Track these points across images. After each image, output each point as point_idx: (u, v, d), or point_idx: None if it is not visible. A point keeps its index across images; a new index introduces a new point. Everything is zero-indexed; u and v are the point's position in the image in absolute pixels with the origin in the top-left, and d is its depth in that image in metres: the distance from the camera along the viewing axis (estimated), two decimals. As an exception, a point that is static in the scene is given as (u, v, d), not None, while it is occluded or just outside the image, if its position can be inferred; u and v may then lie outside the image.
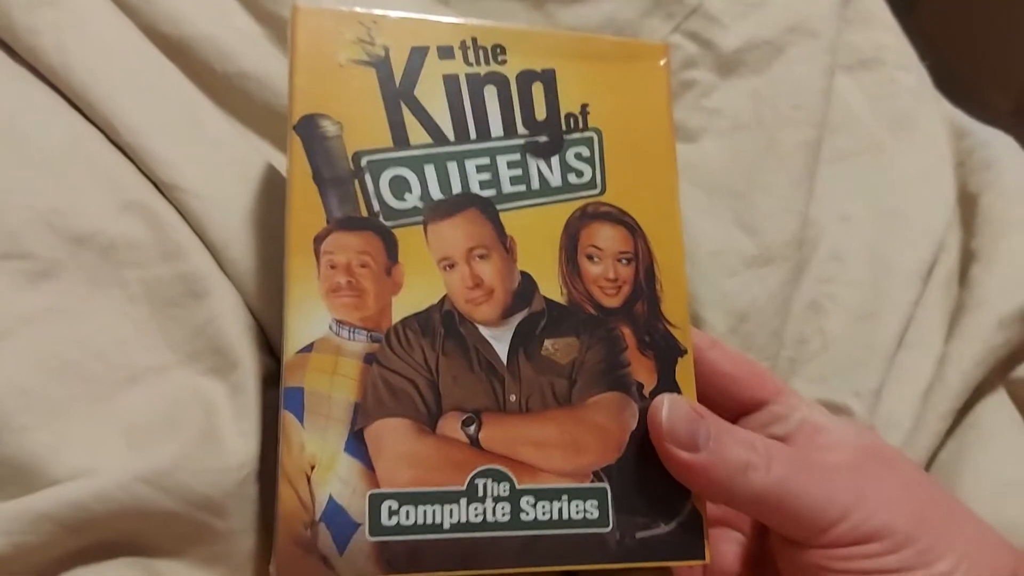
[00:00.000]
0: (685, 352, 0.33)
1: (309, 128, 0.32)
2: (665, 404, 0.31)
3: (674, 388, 0.33)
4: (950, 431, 0.44)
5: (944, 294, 0.46)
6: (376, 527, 0.29)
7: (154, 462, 0.29)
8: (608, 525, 0.31)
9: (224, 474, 0.30)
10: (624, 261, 0.34)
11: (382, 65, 0.33)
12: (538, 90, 0.35)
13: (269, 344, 0.34)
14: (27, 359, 0.30)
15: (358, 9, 0.33)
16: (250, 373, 0.32)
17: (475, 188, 0.33)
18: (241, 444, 0.31)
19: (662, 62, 0.36)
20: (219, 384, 0.32)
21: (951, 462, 0.43)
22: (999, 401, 0.45)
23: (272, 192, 0.36)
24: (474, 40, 0.34)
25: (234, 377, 0.32)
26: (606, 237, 0.34)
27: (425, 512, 0.29)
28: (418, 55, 0.33)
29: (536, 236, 0.33)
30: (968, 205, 0.48)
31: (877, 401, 0.43)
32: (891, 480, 0.32)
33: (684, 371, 0.33)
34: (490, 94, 0.34)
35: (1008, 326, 0.43)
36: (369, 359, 0.30)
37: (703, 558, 0.31)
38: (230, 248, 0.34)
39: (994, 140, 0.50)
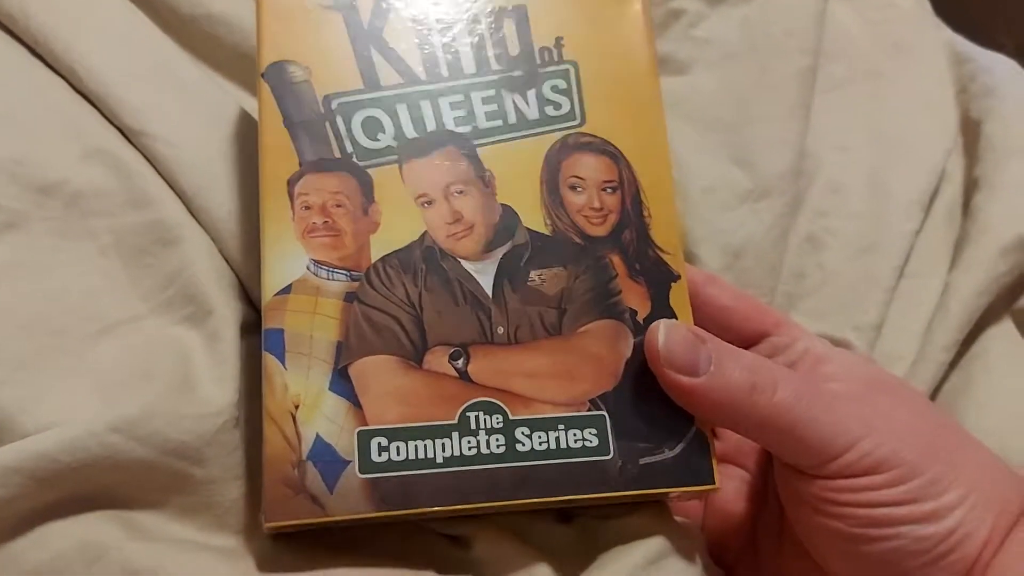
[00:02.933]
0: (679, 278, 0.32)
1: (277, 74, 0.31)
2: (661, 329, 0.30)
3: (669, 314, 0.32)
4: (954, 362, 0.42)
5: (947, 224, 0.45)
6: (366, 464, 0.28)
7: (125, 411, 0.28)
8: (609, 453, 0.30)
9: (200, 421, 0.29)
10: (609, 190, 0.33)
11: (349, 9, 0.33)
12: (510, 26, 0.34)
13: (247, 292, 0.33)
14: None
15: (322, -45, 0.33)
16: (226, 320, 0.31)
17: (450, 125, 0.32)
18: (217, 391, 0.30)
19: None
20: (194, 332, 0.31)
21: (956, 394, 0.42)
22: (1005, 331, 0.43)
23: (244, 136, 0.35)
24: (441, -19, 0.34)
25: (209, 324, 0.31)
26: (588, 167, 0.33)
27: (416, 447, 0.28)
28: (385, -2, 0.33)
29: (516, 170, 0.32)
30: (971, 132, 0.47)
31: (877, 335, 0.42)
32: (898, 410, 0.30)
33: (678, 296, 0.32)
34: (460, 33, 0.33)
35: (1011, 253, 0.42)
36: (350, 298, 0.30)
37: (712, 483, 0.30)
38: (201, 195, 0.33)
39: (996, 65, 0.48)
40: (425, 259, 0.31)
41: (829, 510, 0.29)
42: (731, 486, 0.35)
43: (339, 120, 0.31)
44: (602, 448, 0.30)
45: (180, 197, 0.33)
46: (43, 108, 0.33)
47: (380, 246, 0.30)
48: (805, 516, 0.30)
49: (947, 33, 0.50)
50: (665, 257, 0.32)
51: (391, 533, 0.31)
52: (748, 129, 0.42)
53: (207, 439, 0.29)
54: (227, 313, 0.31)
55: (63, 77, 0.34)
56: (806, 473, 0.29)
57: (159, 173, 0.33)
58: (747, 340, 0.34)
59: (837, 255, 0.42)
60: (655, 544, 0.30)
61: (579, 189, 0.33)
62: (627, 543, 0.31)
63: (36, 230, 0.31)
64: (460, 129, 0.32)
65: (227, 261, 0.33)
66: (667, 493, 0.31)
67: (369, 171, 0.31)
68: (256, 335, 0.31)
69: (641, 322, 0.31)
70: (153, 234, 0.32)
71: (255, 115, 0.31)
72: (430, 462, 0.28)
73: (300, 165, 0.31)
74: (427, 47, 0.33)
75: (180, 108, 0.34)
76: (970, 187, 0.45)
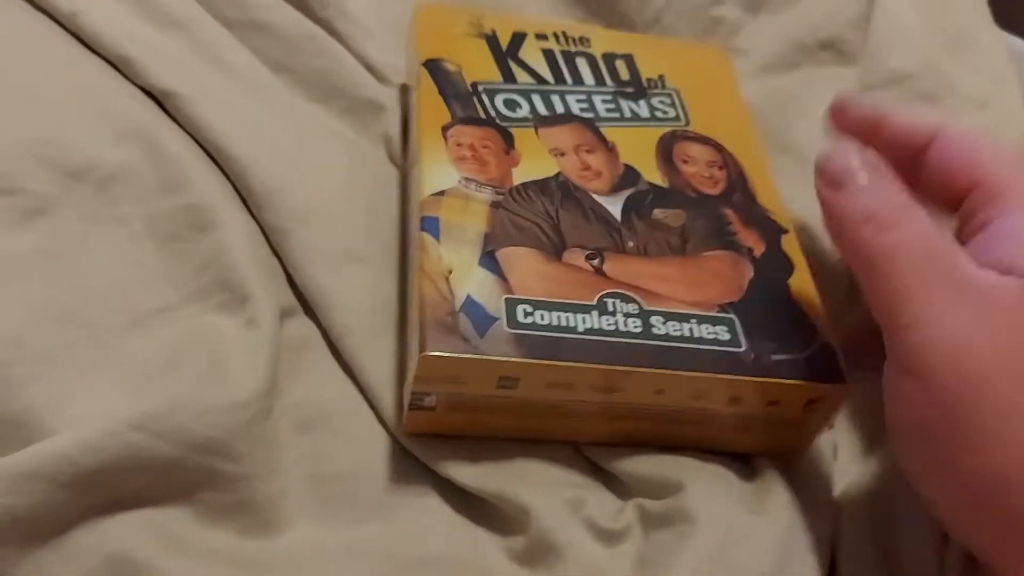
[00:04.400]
0: (787, 231, 0.35)
1: (434, 65, 0.38)
2: (828, 145, 0.29)
3: (782, 257, 0.34)
4: None
5: None
6: (513, 322, 0.29)
7: (146, 406, 0.26)
8: (741, 346, 0.30)
9: (228, 413, 0.27)
10: (716, 167, 0.37)
11: (490, 39, 0.40)
12: (620, 64, 0.41)
13: (287, 275, 0.32)
14: (20, 306, 0.28)
15: (466, 8, 0.41)
16: (263, 306, 0.30)
17: (575, 111, 0.38)
18: (249, 379, 0.28)
19: (721, 53, 0.43)
20: (229, 320, 0.30)
21: None
22: None
23: (283, 107, 0.35)
24: (564, 32, 0.41)
25: (246, 311, 0.30)
26: (696, 151, 0.37)
27: (559, 316, 0.30)
28: (519, 36, 0.40)
29: (633, 144, 0.37)
30: None
31: None
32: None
33: (790, 244, 0.35)
34: (581, 62, 0.40)
35: None
36: (495, 205, 0.33)
37: (843, 381, 0.30)
38: (243, 166, 0.32)
39: None
40: (560, 188, 0.34)
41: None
42: None
43: (484, 97, 0.37)
44: (734, 342, 0.31)
45: (220, 162, 0.32)
46: (75, 86, 0.32)
47: (520, 175, 0.34)
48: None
49: (1000, 32, 0.49)
50: (772, 216, 0.36)
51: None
52: (790, 136, 0.42)
53: (236, 432, 0.27)
54: (264, 299, 0.30)
55: (95, 52, 0.34)
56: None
57: (193, 138, 0.32)
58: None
59: None
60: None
61: (690, 164, 0.37)
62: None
63: (65, 216, 0.30)
64: (585, 115, 0.37)
65: (266, 236, 0.32)
66: (802, 398, 0.30)
67: (510, 129, 0.36)
68: (295, 318, 0.31)
69: (758, 258, 0.34)
70: (187, 219, 0.31)
71: (289, 98, 0.35)
72: (572, 329, 0.29)
73: (451, 119, 0.36)
74: (554, 65, 0.39)
75: (217, 77, 0.34)
76: None
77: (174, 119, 0.34)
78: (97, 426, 0.25)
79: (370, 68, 0.40)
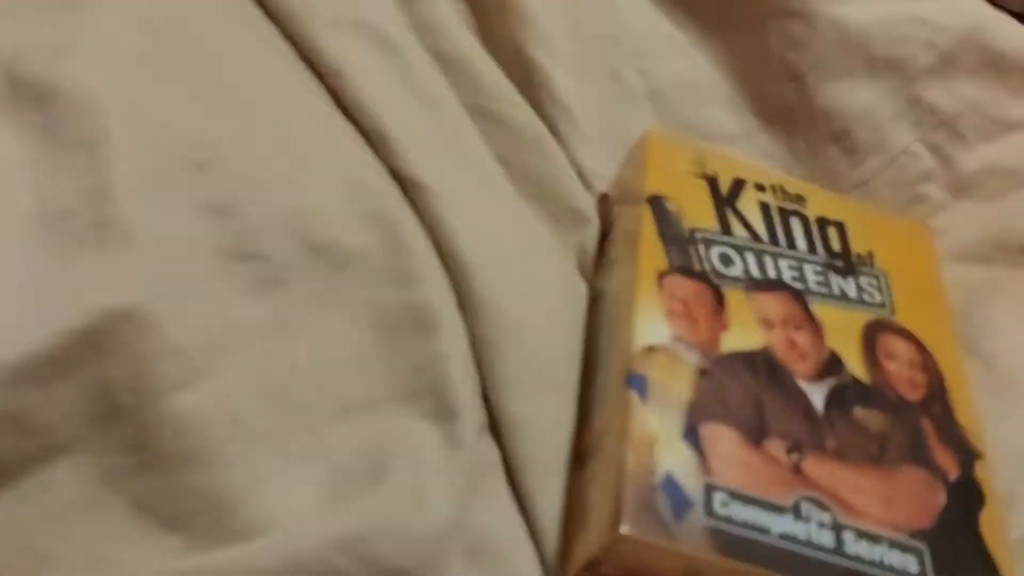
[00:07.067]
0: (981, 456, 0.34)
1: (656, 203, 0.37)
2: None
3: (975, 487, 0.33)
4: None
5: None
6: (710, 511, 0.29)
7: (351, 526, 0.26)
8: None
9: (423, 545, 0.27)
10: (918, 370, 0.36)
11: (711, 181, 0.39)
12: (832, 232, 0.40)
13: (484, 392, 0.32)
14: (243, 378, 0.28)
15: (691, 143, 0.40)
16: (467, 425, 0.29)
17: (786, 279, 0.37)
18: (446, 507, 0.28)
19: (927, 232, 0.42)
20: (434, 430, 0.29)
21: None
22: None
23: (508, 211, 0.36)
24: (782, 187, 0.41)
25: (452, 428, 0.29)
26: (900, 348, 0.36)
27: (754, 513, 0.29)
28: (738, 183, 0.40)
29: (839, 327, 0.36)
30: None
31: None
32: None
33: (982, 472, 0.33)
34: (795, 223, 0.40)
35: None
36: (703, 372, 0.32)
37: None
38: (480, 273, 0.32)
39: None
40: (766, 364, 0.33)
41: None
42: None
43: (701, 246, 0.37)
44: None
45: (446, 259, 0.32)
46: (329, 152, 0.33)
47: (728, 343, 0.34)
48: None
49: None
50: (968, 436, 0.34)
51: None
52: (980, 339, 0.40)
53: (424, 562, 0.27)
54: (470, 418, 0.30)
55: (349, 117, 0.34)
56: None
57: (429, 232, 0.32)
58: None
59: None
60: None
61: (893, 361, 0.36)
62: None
63: (298, 291, 0.30)
64: (795, 284, 0.37)
65: (482, 346, 0.32)
66: None
67: (721, 289, 0.35)
68: (482, 437, 0.31)
69: (952, 483, 0.33)
70: (411, 316, 0.31)
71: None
72: (765, 531, 0.29)
73: (669, 267, 0.35)
74: (769, 222, 0.39)
75: (457, 166, 0.35)
76: None
77: (414, 206, 0.33)
78: (301, 539, 0.25)
79: (581, 174, 0.41)
